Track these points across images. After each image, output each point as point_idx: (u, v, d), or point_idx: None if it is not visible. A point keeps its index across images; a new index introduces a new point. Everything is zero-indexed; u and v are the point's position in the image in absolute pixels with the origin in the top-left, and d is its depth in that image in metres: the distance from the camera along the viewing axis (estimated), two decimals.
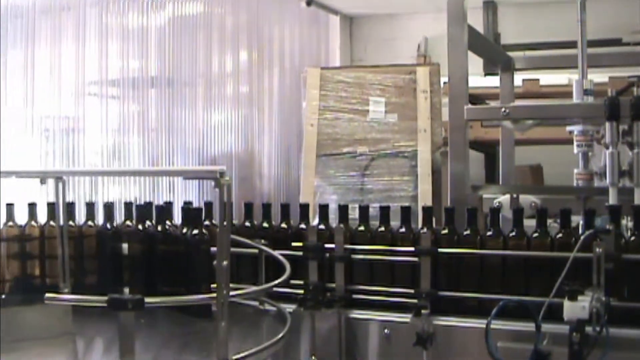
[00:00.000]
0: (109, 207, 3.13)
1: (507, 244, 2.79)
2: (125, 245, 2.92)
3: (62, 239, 2.88)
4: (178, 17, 5.50)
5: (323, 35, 7.54)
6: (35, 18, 4.42)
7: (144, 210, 3.08)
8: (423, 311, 2.73)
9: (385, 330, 2.83)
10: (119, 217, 3.18)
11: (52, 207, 3.02)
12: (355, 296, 2.94)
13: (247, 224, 3.17)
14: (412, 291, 2.82)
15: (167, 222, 3.03)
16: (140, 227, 3.01)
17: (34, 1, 4.41)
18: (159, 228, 2.96)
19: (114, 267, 3.01)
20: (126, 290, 2.23)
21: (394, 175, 5.60)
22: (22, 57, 4.37)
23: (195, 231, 2.81)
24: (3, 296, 3.02)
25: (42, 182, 2.94)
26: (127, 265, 2.98)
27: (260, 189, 6.34)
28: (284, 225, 3.13)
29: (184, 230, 2.86)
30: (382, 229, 2.99)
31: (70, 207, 3.06)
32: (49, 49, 4.55)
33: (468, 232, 2.85)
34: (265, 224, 3.15)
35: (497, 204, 3.88)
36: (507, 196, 3.97)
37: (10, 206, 3.09)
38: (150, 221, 3.07)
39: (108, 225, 3.08)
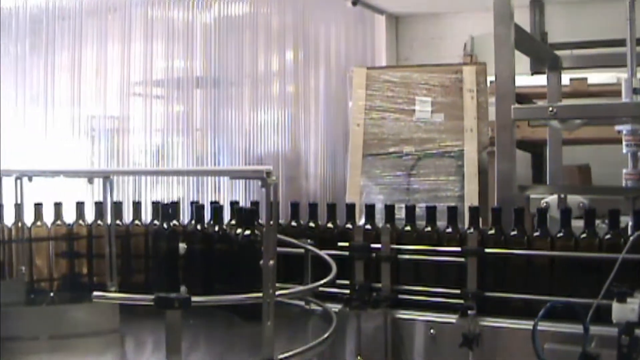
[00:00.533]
0: (166, 207, 3.17)
1: (555, 244, 2.76)
2: (181, 245, 2.93)
3: (110, 237, 2.90)
4: (224, 17, 5.52)
5: (369, 35, 7.52)
6: (82, 19, 4.46)
7: (201, 210, 3.10)
8: (469, 312, 2.71)
9: (431, 331, 2.82)
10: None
11: (99, 206, 3.05)
12: (401, 296, 2.93)
13: (294, 223, 3.17)
14: (458, 291, 2.80)
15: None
16: (198, 227, 3.03)
17: (80, 3, 4.45)
18: (216, 228, 2.99)
19: (165, 266, 3.05)
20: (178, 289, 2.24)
21: (440, 175, 5.58)
22: (69, 59, 4.42)
23: (248, 232, 2.82)
24: (52, 294, 3.07)
25: (90, 181, 2.97)
26: (179, 265, 3.01)
27: (307, 188, 6.34)
28: (330, 225, 3.13)
29: (237, 231, 2.87)
30: (429, 229, 2.98)
31: (117, 206, 3.09)
32: (95, 50, 4.59)
33: (515, 232, 2.82)
34: (311, 224, 3.15)
35: (545, 204, 3.85)
36: (555, 196, 3.93)
37: (58, 205, 3.13)
38: (201, 221, 3.12)
39: (165, 225, 3.12)
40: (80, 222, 3.13)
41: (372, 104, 5.91)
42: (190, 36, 5.25)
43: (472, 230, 2.85)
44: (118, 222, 3.10)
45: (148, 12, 4.94)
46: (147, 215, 3.20)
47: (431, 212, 3.02)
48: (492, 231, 2.85)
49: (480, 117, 5.61)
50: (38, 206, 3.07)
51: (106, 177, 2.87)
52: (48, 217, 3.09)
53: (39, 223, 3.07)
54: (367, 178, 5.73)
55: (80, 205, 3.15)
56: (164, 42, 5.06)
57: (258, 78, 5.86)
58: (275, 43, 6.04)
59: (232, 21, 5.60)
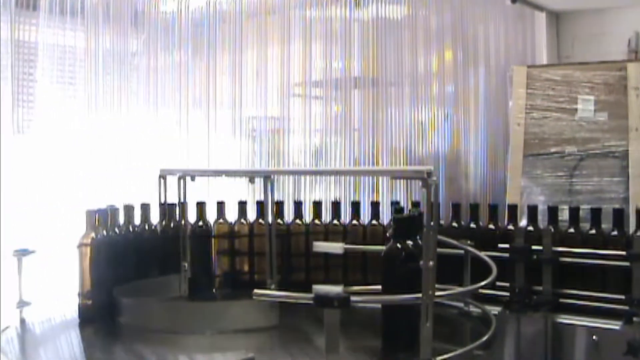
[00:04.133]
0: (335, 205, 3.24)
1: None
2: (339, 245, 2.94)
3: (270, 236, 2.95)
4: (381, 17, 5.53)
5: (529, 33, 7.39)
6: (242, 22, 4.55)
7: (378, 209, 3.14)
8: (635, 319, 2.62)
9: (594, 337, 2.74)
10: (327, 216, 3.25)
11: (261, 206, 3.11)
12: (562, 300, 2.87)
13: (454, 224, 3.15)
14: (623, 297, 2.72)
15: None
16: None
17: (240, 5, 4.54)
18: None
19: (324, 265, 3.09)
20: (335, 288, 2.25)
21: (604, 176, 5.44)
22: (230, 61, 4.51)
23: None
24: (214, 290, 3.14)
25: (251, 181, 3.03)
26: (340, 264, 3.04)
27: (466, 189, 6.28)
28: (491, 226, 3.09)
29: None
30: (593, 231, 2.90)
31: (279, 206, 3.15)
32: (256, 51, 4.67)
33: None
34: (472, 225, 3.12)
35: None
36: None
37: (221, 204, 3.20)
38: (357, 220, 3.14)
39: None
40: (242, 220, 3.20)
41: (533, 103, 5.83)
42: (349, 37, 5.28)
43: (638, 233, 2.75)
44: (279, 221, 3.15)
45: (307, 14, 4.99)
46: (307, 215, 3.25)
47: (596, 214, 2.94)
48: None
49: None
50: (201, 205, 3.16)
51: (267, 176, 2.91)
52: (211, 215, 3.17)
53: (200, 222, 3.15)
54: (528, 179, 5.65)
55: (242, 205, 3.22)
56: (322, 43, 5.10)
57: (417, 78, 5.84)
58: (434, 43, 6.01)
59: (390, 21, 5.60)
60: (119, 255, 2.90)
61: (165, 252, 3.05)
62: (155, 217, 3.08)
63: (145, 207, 3.07)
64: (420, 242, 2.34)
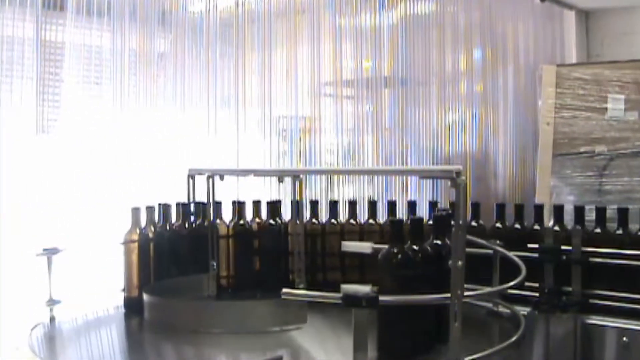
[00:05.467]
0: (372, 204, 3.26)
1: None
2: (367, 244, 2.94)
3: (299, 235, 2.95)
4: (410, 16, 5.52)
5: (558, 31, 7.35)
6: (271, 22, 4.55)
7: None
8: None
9: (624, 339, 2.72)
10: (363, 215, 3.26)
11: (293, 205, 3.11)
12: (592, 301, 2.85)
13: (474, 223, 3.14)
14: None
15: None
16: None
17: (269, 5, 4.54)
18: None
19: (351, 265, 3.09)
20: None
21: (634, 176, 5.41)
22: (259, 60, 4.51)
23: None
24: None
25: (280, 180, 3.03)
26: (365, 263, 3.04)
27: (495, 188, 6.26)
28: (517, 225, 3.08)
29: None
30: (620, 231, 2.89)
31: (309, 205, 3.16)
32: (285, 51, 4.67)
33: None
34: (498, 224, 3.11)
35: None
36: None
37: (256, 203, 3.21)
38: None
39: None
40: (273, 219, 3.19)
41: (562, 102, 5.80)
42: (378, 36, 5.27)
43: None
44: (314, 220, 3.16)
45: (336, 13, 4.99)
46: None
47: (623, 214, 2.92)
48: None
49: None
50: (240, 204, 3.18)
51: (296, 176, 2.92)
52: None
53: (235, 221, 3.15)
54: (558, 178, 5.63)
55: (273, 204, 3.22)
56: (352, 42, 5.10)
57: (446, 77, 5.82)
58: (462, 41, 5.99)
59: (418, 20, 5.59)
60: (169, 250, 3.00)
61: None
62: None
63: (182, 206, 3.11)
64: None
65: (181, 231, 3.06)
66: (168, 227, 3.03)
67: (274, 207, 3.19)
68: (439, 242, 2.42)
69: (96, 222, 3.54)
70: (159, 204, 3.04)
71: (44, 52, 3.45)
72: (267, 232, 3.17)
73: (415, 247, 2.34)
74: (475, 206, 3.17)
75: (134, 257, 2.94)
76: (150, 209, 2.99)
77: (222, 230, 3.11)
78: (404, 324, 2.27)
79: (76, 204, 3.54)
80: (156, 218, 3.01)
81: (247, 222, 3.17)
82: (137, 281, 2.93)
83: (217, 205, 3.11)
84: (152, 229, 2.97)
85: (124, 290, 2.96)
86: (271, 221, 3.18)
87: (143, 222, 2.99)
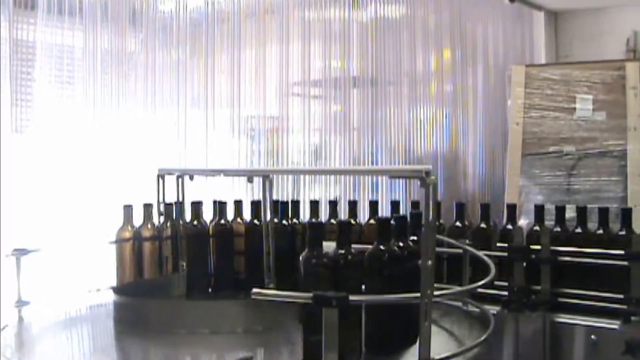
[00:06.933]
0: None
1: None
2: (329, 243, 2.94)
3: (268, 235, 2.95)
4: (380, 17, 5.53)
5: (527, 32, 7.39)
6: (240, 22, 4.54)
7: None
8: (633, 318, 2.63)
9: (592, 337, 2.75)
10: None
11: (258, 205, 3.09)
12: (560, 299, 2.87)
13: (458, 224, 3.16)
14: (621, 296, 2.72)
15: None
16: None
17: (239, 5, 4.53)
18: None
19: None
20: None
21: (602, 175, 5.45)
22: (229, 60, 4.50)
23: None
24: (210, 290, 3.14)
25: (249, 180, 3.03)
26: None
27: (465, 188, 6.28)
28: (483, 225, 3.10)
29: None
30: (579, 230, 2.93)
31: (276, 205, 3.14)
32: (254, 51, 4.66)
33: None
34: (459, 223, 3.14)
35: None
36: None
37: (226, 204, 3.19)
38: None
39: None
40: (239, 220, 3.18)
41: (531, 102, 5.83)
42: (347, 36, 5.27)
43: (622, 232, 2.77)
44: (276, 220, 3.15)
45: (305, 13, 4.98)
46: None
47: (583, 213, 2.97)
48: None
49: None
50: (196, 204, 3.15)
51: (265, 176, 2.91)
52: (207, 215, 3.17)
53: (195, 222, 3.14)
54: (526, 178, 5.66)
55: (238, 204, 3.21)
56: (321, 42, 5.10)
57: (415, 77, 5.84)
58: (432, 42, 6.01)
59: (388, 21, 5.60)
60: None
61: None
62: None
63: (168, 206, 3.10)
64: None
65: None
66: (150, 226, 3.06)
67: (256, 207, 3.18)
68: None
69: (70, 221, 3.52)
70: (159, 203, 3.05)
71: (16, 52, 3.43)
72: (248, 233, 3.15)
73: (401, 244, 2.34)
74: (460, 206, 3.19)
75: (127, 254, 2.98)
76: (127, 207, 3.01)
77: (194, 231, 3.10)
78: (388, 322, 2.27)
79: (51, 204, 3.52)
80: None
81: (228, 221, 3.15)
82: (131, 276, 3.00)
83: (198, 204, 3.11)
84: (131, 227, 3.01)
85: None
86: (255, 221, 3.15)
87: (135, 221, 3.03)
